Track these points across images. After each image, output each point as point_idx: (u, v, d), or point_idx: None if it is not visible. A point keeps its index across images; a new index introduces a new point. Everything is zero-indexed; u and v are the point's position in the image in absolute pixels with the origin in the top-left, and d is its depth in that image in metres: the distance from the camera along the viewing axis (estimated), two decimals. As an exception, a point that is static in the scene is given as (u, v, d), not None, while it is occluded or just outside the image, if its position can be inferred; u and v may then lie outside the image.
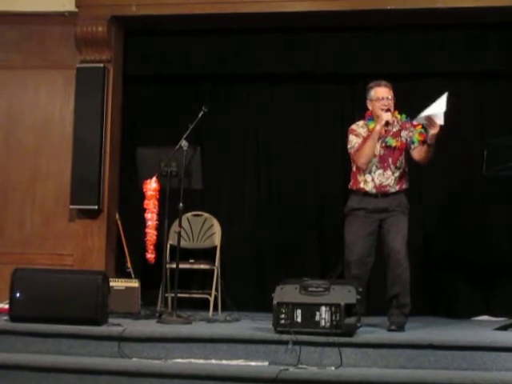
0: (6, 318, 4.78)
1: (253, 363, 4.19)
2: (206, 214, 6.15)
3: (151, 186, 5.27)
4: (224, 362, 4.23)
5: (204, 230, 6.10)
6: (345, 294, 4.31)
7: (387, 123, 4.86)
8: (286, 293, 4.37)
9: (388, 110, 4.86)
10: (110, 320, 4.77)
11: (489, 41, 6.03)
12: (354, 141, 4.95)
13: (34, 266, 5.63)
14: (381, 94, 4.90)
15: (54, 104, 6.39)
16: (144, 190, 5.31)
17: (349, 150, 4.98)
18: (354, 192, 4.98)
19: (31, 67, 6.40)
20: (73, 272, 5.43)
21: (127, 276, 5.73)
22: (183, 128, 5.28)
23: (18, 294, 4.72)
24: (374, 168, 4.90)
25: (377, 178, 4.89)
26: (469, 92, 6.24)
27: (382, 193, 4.88)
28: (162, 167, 5.28)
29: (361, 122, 5.05)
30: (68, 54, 6.30)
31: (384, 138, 4.91)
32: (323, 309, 4.28)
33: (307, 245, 6.27)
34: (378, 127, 4.82)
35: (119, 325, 4.61)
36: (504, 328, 4.83)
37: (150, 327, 4.64)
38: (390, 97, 4.90)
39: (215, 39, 6.32)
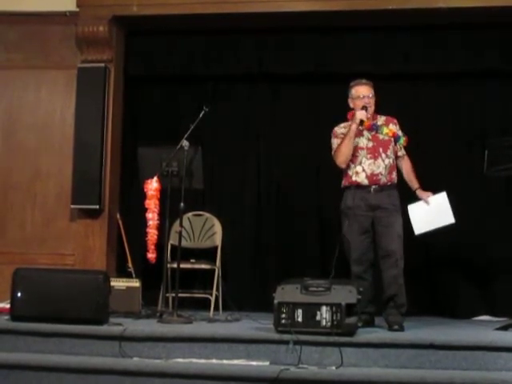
0: (7, 317, 4.78)
1: (254, 363, 4.20)
2: (207, 214, 6.15)
3: (152, 185, 5.28)
4: (225, 361, 4.24)
5: (205, 229, 6.10)
6: (345, 294, 4.32)
7: (362, 122, 4.91)
8: (286, 292, 4.37)
9: (364, 108, 4.93)
10: (111, 320, 4.78)
11: (489, 41, 6.03)
12: (334, 141, 5.07)
13: (35, 266, 5.63)
14: (361, 93, 4.99)
15: (55, 104, 6.39)
16: (145, 189, 5.31)
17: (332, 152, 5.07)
18: (347, 188, 5.03)
19: (32, 67, 6.40)
20: (74, 272, 5.44)
21: (128, 276, 5.73)
22: (184, 128, 5.29)
23: (19, 294, 4.73)
24: (363, 159, 4.96)
25: (368, 168, 4.95)
26: (469, 92, 6.25)
27: (374, 183, 4.93)
28: (163, 167, 5.28)
29: (343, 124, 5.12)
30: (69, 54, 6.30)
31: (374, 130, 4.98)
32: (324, 308, 4.29)
33: (308, 245, 6.28)
34: (354, 126, 4.91)
35: (120, 324, 4.62)
36: (505, 328, 4.83)
37: (150, 327, 4.64)
38: (370, 95, 4.99)
39: (216, 39, 6.32)
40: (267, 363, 4.21)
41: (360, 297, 4.36)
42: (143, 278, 5.65)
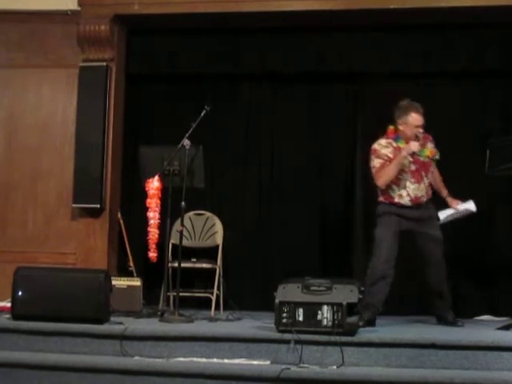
0: (8, 316, 4.79)
1: (255, 362, 4.20)
2: (208, 213, 6.14)
3: (153, 184, 5.28)
4: (226, 360, 4.24)
5: (206, 228, 6.09)
6: (347, 294, 4.32)
7: (413, 153, 5.02)
8: (288, 292, 4.37)
9: (417, 138, 5.05)
10: (112, 318, 4.79)
11: (490, 40, 6.02)
12: (375, 161, 5.13)
13: (37, 265, 5.63)
14: (419, 122, 5.07)
15: (57, 103, 6.39)
16: (146, 188, 5.31)
17: (371, 170, 5.16)
18: (387, 203, 5.17)
19: (34, 66, 6.39)
20: (75, 271, 5.46)
21: (129, 275, 5.74)
22: (186, 127, 5.29)
23: (20, 293, 4.74)
24: (407, 183, 5.11)
25: (412, 192, 5.12)
26: (470, 91, 6.24)
27: (416, 204, 5.12)
28: (164, 166, 5.28)
29: (383, 141, 5.18)
30: (70, 53, 6.29)
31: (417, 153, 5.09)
32: (325, 308, 4.29)
33: (309, 244, 6.27)
34: (405, 154, 5.00)
35: (121, 323, 4.63)
36: (506, 328, 4.83)
37: (151, 326, 4.65)
38: (422, 123, 5.09)
39: (217, 38, 6.31)
40: (268, 362, 4.21)
41: (361, 296, 4.36)
42: (144, 277, 5.66)
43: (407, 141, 5.07)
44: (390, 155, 5.08)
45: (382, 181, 5.08)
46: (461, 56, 6.06)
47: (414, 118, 5.05)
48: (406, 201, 5.11)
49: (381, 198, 5.20)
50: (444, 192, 5.36)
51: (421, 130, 5.07)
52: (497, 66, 6.05)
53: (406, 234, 5.14)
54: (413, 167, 5.10)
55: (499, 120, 6.18)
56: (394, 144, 5.12)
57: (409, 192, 5.10)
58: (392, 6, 5.77)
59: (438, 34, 6.06)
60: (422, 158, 5.12)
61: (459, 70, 6.10)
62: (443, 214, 5.28)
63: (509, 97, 6.15)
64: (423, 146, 5.13)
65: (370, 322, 4.92)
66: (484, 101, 6.24)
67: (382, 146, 5.13)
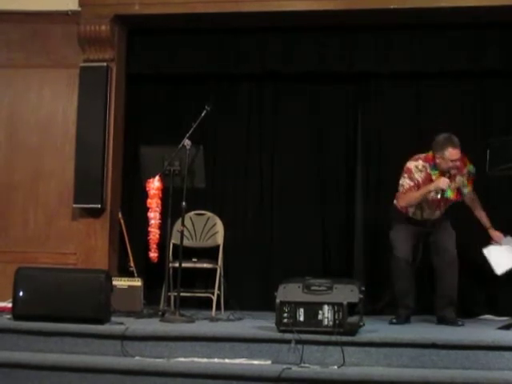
0: (9, 316, 4.79)
1: (255, 362, 4.21)
2: (209, 213, 6.14)
3: (154, 184, 5.28)
4: (227, 360, 4.25)
5: (207, 228, 6.10)
6: (347, 293, 4.32)
7: (442, 190, 5.08)
8: (288, 292, 4.37)
9: (448, 174, 5.10)
10: (113, 319, 4.79)
11: (490, 40, 6.02)
12: (406, 182, 5.19)
13: (37, 265, 5.63)
14: (454, 157, 5.09)
15: (57, 103, 6.39)
16: (147, 188, 5.32)
17: (398, 186, 5.24)
18: (401, 211, 5.30)
19: (34, 66, 6.39)
20: (76, 271, 5.46)
21: (130, 275, 5.73)
22: (186, 127, 5.29)
23: (21, 293, 4.74)
24: (424, 207, 5.23)
25: (426, 215, 5.27)
26: (470, 91, 6.24)
27: (427, 220, 5.30)
28: (165, 166, 5.28)
29: (420, 164, 5.22)
30: (71, 53, 6.29)
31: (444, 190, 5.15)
32: (326, 308, 4.29)
33: (310, 244, 6.27)
34: (433, 189, 5.08)
35: (122, 323, 4.63)
36: (507, 327, 4.83)
37: (152, 326, 4.65)
38: (459, 157, 5.12)
39: (218, 38, 6.31)
40: (269, 362, 4.22)
41: (362, 296, 4.37)
42: (145, 277, 5.66)
43: (441, 172, 5.13)
44: (420, 180, 5.16)
45: (403, 203, 5.23)
46: (461, 56, 6.06)
47: (451, 153, 5.07)
48: (418, 218, 5.27)
49: (397, 204, 5.31)
50: (487, 223, 5.42)
51: (457, 164, 5.11)
52: (497, 66, 6.05)
53: (419, 236, 5.29)
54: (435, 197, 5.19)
55: (499, 120, 6.18)
56: (428, 170, 5.19)
57: (422, 213, 5.27)
58: (392, 6, 5.76)
59: (438, 33, 6.06)
60: (450, 196, 5.20)
61: (459, 69, 6.10)
62: (490, 254, 5.37)
63: (509, 97, 6.15)
64: (454, 177, 5.18)
65: (406, 320, 5.16)
66: (484, 101, 6.24)
67: (417, 170, 5.20)
